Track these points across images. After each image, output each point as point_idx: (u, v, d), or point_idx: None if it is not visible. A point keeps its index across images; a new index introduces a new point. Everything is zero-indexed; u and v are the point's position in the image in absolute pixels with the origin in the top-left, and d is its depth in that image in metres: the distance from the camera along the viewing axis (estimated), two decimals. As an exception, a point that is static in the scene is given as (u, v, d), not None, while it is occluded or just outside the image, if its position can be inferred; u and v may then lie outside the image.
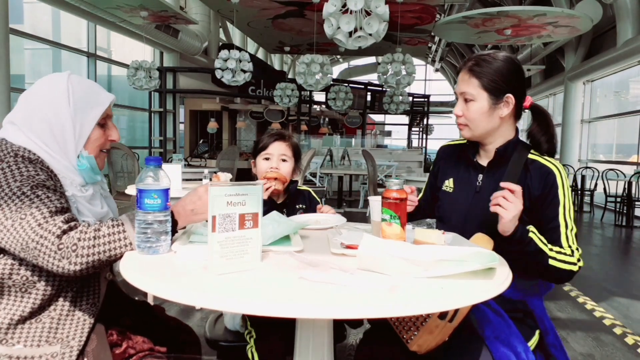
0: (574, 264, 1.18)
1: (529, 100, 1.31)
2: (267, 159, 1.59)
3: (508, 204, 1.09)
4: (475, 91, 1.25)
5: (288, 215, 1.57)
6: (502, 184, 1.12)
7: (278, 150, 1.59)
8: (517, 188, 1.11)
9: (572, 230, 1.21)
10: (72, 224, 0.96)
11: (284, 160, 1.59)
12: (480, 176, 1.33)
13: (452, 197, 1.37)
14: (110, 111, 1.15)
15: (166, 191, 0.99)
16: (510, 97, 1.25)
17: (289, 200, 1.63)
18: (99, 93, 1.12)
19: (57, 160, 1.06)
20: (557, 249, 1.18)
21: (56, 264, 0.92)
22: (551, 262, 1.15)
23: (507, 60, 1.26)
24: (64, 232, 0.93)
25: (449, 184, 1.39)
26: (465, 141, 1.39)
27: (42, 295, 1.02)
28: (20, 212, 0.93)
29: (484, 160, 1.35)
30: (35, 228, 0.92)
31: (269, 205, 1.55)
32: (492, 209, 1.12)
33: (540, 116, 1.32)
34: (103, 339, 1.06)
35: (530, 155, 1.28)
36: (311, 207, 1.63)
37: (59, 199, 0.99)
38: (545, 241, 1.17)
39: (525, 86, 1.31)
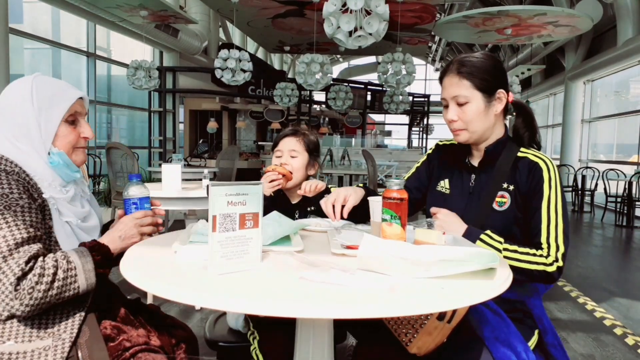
0: (547, 264, 1.14)
1: (511, 96, 1.33)
2: (278, 156, 1.60)
3: (438, 221, 1.22)
4: (469, 92, 1.25)
5: (300, 217, 1.54)
6: (432, 210, 1.27)
7: (287, 146, 1.59)
8: (442, 211, 1.26)
9: (556, 226, 1.18)
10: (32, 264, 0.95)
11: (293, 157, 1.58)
12: (473, 176, 1.34)
13: (447, 198, 1.37)
14: (80, 109, 1.16)
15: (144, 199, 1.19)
16: (502, 92, 1.28)
17: (302, 202, 1.59)
18: (66, 91, 1.14)
19: (33, 159, 1.08)
20: (523, 249, 1.17)
21: (8, 302, 0.93)
22: (508, 262, 1.12)
23: (489, 57, 1.29)
24: (24, 274, 0.93)
25: (444, 185, 1.39)
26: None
27: None
28: None
29: (475, 160, 1.36)
30: None
31: (282, 204, 1.54)
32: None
33: (524, 111, 1.35)
34: (96, 331, 1.07)
35: (519, 153, 1.29)
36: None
37: (27, 227, 0.99)
38: (499, 245, 1.17)
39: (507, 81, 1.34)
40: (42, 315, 1.03)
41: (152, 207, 1.21)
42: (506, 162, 1.28)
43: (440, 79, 1.34)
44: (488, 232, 1.20)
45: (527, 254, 1.16)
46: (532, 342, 1.23)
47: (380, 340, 1.22)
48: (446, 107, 1.32)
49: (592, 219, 7.55)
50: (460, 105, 1.27)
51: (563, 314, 3.01)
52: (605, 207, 7.78)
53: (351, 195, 1.28)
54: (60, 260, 0.99)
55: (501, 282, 0.86)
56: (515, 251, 1.17)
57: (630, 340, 2.59)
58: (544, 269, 1.15)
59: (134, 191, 1.19)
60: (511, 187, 1.26)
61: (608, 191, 7.25)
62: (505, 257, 1.15)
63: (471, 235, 1.21)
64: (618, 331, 2.73)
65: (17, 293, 0.92)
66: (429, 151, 1.51)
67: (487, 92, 1.26)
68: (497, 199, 1.26)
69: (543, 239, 1.18)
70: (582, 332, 2.70)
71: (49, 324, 1.03)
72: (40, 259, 0.97)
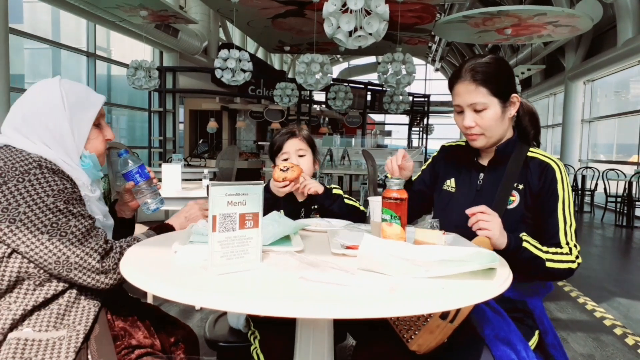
0: (572, 261, 1.18)
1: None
2: (285, 159, 1.58)
3: (488, 223, 1.11)
4: (486, 99, 1.25)
5: (306, 216, 1.56)
6: (468, 212, 1.13)
7: (293, 146, 1.58)
8: (483, 207, 1.12)
9: (571, 226, 1.22)
10: (110, 244, 1.07)
11: (301, 156, 1.58)
12: (482, 175, 1.35)
13: (453, 196, 1.37)
14: (102, 111, 1.20)
15: (142, 166, 1.30)
16: (515, 97, 1.29)
17: (309, 200, 1.58)
18: (90, 95, 1.17)
19: (67, 164, 1.09)
20: (553, 249, 1.18)
21: (95, 278, 1.04)
22: (549, 264, 1.16)
23: (499, 61, 1.29)
24: (106, 252, 1.05)
25: (450, 184, 1.40)
26: (464, 142, 1.39)
27: (54, 289, 1.05)
28: (59, 229, 0.99)
29: (484, 160, 1.37)
30: (77, 246, 1.01)
31: (289, 204, 1.54)
32: (479, 233, 1.12)
33: (530, 111, 1.37)
34: (105, 328, 1.10)
35: (529, 153, 1.31)
36: None
37: (89, 214, 1.07)
38: (539, 246, 1.17)
39: None
40: (59, 308, 1.06)
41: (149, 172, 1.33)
42: (517, 162, 1.29)
43: (451, 86, 1.31)
44: (524, 235, 1.18)
45: (556, 253, 1.18)
46: (533, 343, 1.24)
47: (380, 340, 1.22)
48: (459, 112, 1.31)
49: (592, 219, 7.56)
50: (477, 111, 1.27)
51: (563, 314, 3.01)
52: (605, 207, 7.78)
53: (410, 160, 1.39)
54: (130, 241, 1.12)
55: (501, 281, 0.86)
56: (547, 252, 1.17)
57: (630, 340, 2.59)
58: (569, 266, 1.18)
59: (131, 163, 1.28)
60: (521, 187, 1.27)
61: (608, 191, 7.25)
62: (547, 259, 1.16)
63: (515, 241, 1.16)
64: (618, 331, 2.73)
65: (103, 269, 1.03)
66: (434, 154, 1.53)
67: (503, 97, 1.26)
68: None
69: (562, 240, 1.20)
70: (582, 332, 2.70)
71: (65, 316, 1.06)
72: (111, 240, 1.09)
